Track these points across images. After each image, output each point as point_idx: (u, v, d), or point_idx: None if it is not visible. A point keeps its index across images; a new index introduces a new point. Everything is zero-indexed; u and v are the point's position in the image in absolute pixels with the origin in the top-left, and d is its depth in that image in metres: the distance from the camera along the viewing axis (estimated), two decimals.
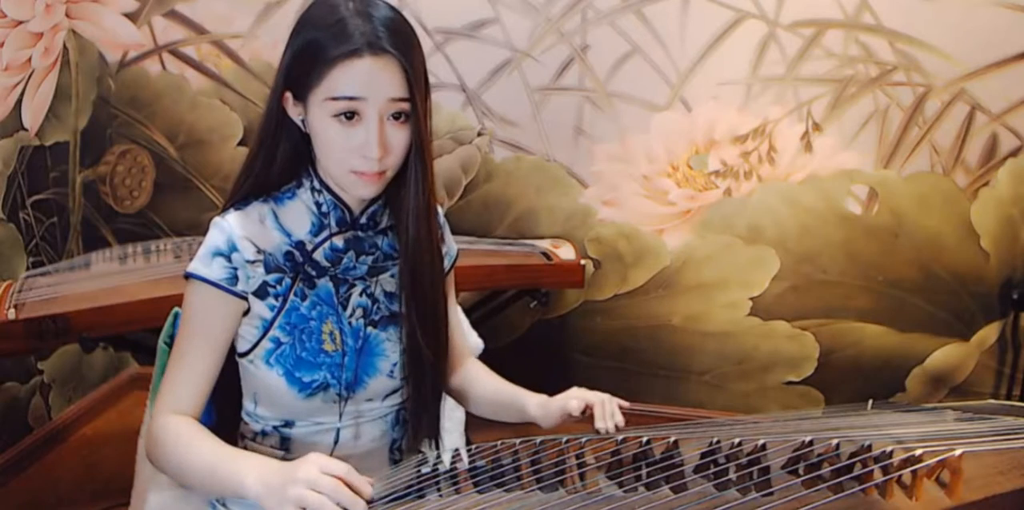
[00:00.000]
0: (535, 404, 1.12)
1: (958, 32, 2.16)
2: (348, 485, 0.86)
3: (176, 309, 1.28)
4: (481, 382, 1.24)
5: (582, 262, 2.25)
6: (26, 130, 2.30)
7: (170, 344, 1.26)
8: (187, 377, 1.05)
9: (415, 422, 1.15)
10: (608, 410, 1.07)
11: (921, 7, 2.16)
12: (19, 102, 2.26)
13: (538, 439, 1.03)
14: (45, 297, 1.88)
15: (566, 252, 2.31)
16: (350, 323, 1.10)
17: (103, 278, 2.01)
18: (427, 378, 1.14)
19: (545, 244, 2.37)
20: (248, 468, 0.92)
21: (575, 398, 1.09)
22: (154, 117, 2.58)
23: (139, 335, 1.93)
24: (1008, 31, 2.14)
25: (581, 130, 2.39)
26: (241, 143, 2.55)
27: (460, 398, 1.26)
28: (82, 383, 2.57)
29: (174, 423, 1.02)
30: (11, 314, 1.77)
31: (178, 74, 2.53)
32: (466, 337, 1.28)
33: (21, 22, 2.25)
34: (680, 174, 2.38)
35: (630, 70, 2.32)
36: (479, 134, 2.43)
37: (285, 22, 2.42)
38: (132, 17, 2.50)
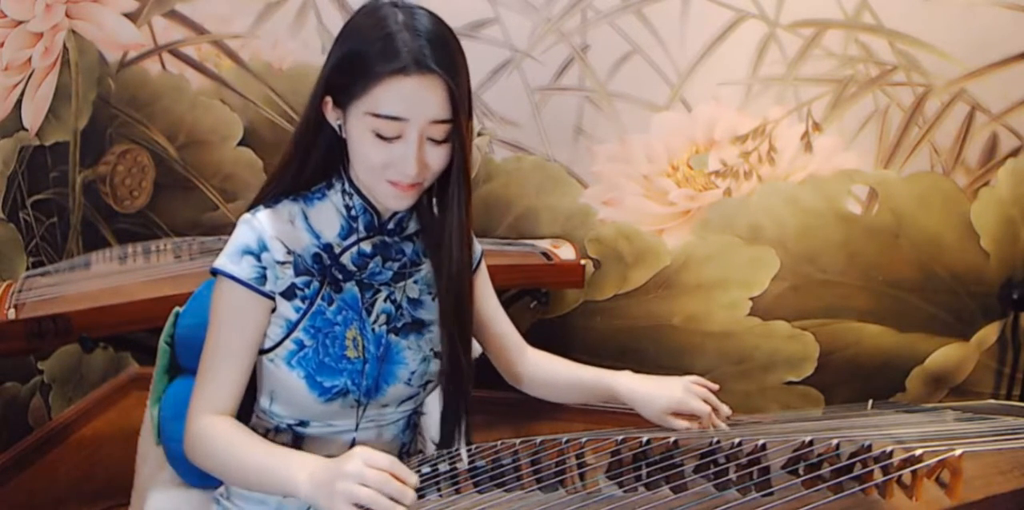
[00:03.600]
0: (626, 390, 1.18)
1: (958, 32, 2.16)
2: (394, 476, 0.87)
3: (177, 309, 1.29)
4: (552, 369, 1.27)
5: (582, 262, 2.25)
6: (26, 130, 2.30)
7: (171, 344, 1.27)
8: (222, 377, 1.05)
9: (449, 428, 1.15)
10: (712, 421, 1.15)
11: (921, 7, 2.16)
12: (19, 102, 2.26)
13: (538, 439, 1.03)
14: (45, 297, 1.88)
15: (566, 252, 2.31)
16: (373, 330, 1.10)
17: (103, 278, 2.00)
18: (462, 385, 1.15)
19: (545, 244, 2.36)
20: (299, 467, 0.93)
21: (684, 410, 1.14)
22: (154, 117, 2.58)
23: (139, 335, 1.93)
24: (1008, 31, 2.14)
25: (581, 130, 2.39)
26: (241, 143, 2.55)
27: (531, 387, 1.28)
28: (82, 383, 2.57)
29: (217, 423, 1.03)
30: (11, 314, 1.77)
31: (178, 74, 2.53)
32: (514, 329, 1.31)
33: (21, 22, 2.25)
34: (680, 174, 2.38)
35: (630, 70, 2.32)
36: (479, 134, 2.43)
37: (285, 22, 2.42)
38: (132, 17, 2.50)
